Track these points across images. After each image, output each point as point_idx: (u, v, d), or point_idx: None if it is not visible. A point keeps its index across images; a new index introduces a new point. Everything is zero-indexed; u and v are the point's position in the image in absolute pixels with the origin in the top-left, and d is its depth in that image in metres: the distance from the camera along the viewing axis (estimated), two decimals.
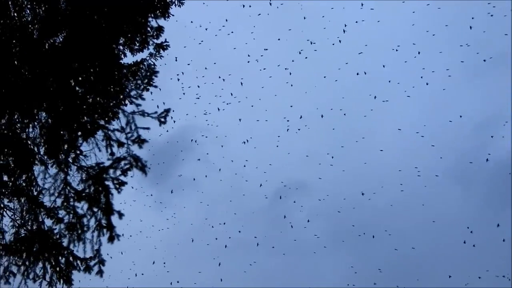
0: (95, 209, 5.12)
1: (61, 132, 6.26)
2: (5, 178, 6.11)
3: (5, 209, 5.85)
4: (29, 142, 6.35)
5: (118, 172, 5.15)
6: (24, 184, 6.32)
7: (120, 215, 5.12)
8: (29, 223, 5.85)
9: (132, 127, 5.26)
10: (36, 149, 6.36)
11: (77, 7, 6.53)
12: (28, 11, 6.39)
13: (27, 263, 5.88)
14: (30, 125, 6.45)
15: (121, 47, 7.16)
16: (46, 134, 6.37)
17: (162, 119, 5.27)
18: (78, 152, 5.98)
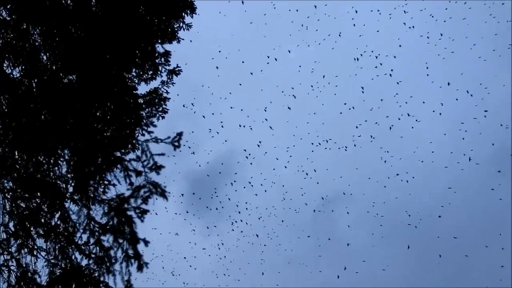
0: (121, 240, 5.13)
1: (87, 168, 6.38)
2: (37, 218, 6.27)
3: (39, 250, 5.98)
4: (58, 182, 6.50)
5: (139, 201, 5.15)
6: (58, 223, 6.47)
7: (146, 242, 5.10)
8: (63, 262, 5.95)
9: (147, 154, 5.27)
10: (64, 186, 6.50)
11: (89, 43, 6.72)
12: (44, 55, 6.63)
13: None
14: (57, 164, 6.63)
15: (134, 78, 7.30)
16: (73, 171, 6.51)
17: (176, 144, 5.26)
18: (105, 183, 6.08)
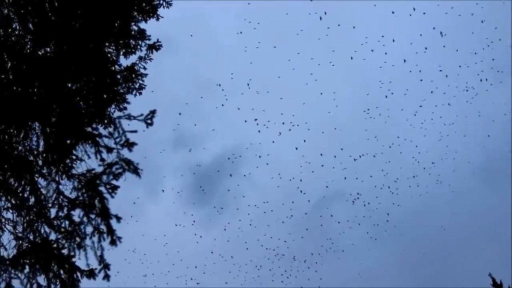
0: (92, 216, 5.10)
1: (61, 141, 6.27)
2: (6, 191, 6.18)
3: (6, 223, 5.91)
4: (27, 154, 6.38)
5: (110, 177, 5.11)
6: (27, 196, 6.38)
7: (118, 218, 5.08)
8: (30, 235, 5.89)
9: (119, 131, 5.22)
10: (36, 159, 6.39)
11: (65, 16, 6.55)
12: (17, 26, 6.44)
13: (30, 275, 5.92)
14: (27, 137, 6.50)
15: (112, 52, 7.16)
16: (45, 144, 6.39)
17: (149, 121, 5.21)
18: (74, 157, 5.98)
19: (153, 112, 5.18)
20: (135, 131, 5.17)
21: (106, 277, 5.50)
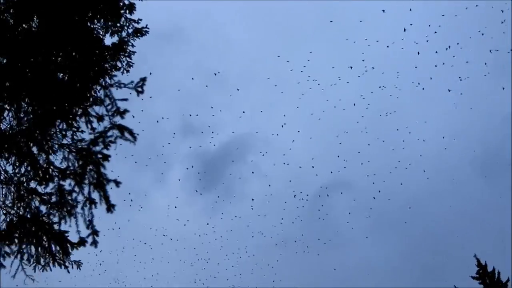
0: (84, 185, 5.03)
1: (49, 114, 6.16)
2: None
3: None
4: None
5: (101, 146, 5.04)
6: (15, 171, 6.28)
7: (117, 183, 4.97)
8: (20, 208, 5.82)
9: (110, 99, 5.16)
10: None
11: None
12: None
13: (21, 248, 5.85)
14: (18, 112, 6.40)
15: (100, 30, 7.09)
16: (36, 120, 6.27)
17: (139, 89, 5.16)
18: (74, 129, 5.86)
19: (143, 80, 5.14)
20: (125, 99, 5.12)
21: (94, 243, 5.32)
